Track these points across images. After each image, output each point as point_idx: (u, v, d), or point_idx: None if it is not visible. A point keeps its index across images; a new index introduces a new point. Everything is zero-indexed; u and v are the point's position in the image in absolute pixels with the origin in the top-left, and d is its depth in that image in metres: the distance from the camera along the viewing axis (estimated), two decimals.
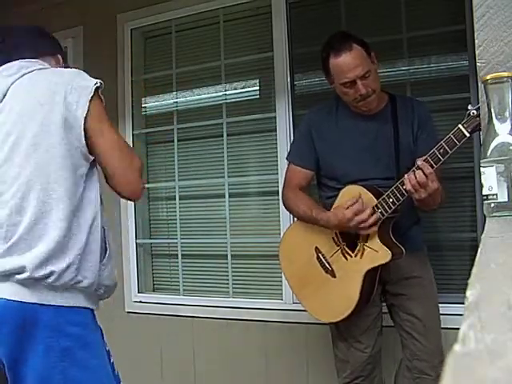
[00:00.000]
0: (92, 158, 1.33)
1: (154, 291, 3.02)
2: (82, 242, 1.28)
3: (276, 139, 2.59)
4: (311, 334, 2.46)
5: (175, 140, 2.91)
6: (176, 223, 2.91)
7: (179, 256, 2.89)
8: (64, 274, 1.25)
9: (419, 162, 1.57)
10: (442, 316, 1.90)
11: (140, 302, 2.92)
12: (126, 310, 2.94)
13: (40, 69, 1.36)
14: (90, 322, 1.33)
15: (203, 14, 2.80)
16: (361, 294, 1.72)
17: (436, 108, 2.17)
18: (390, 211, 1.67)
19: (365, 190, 1.73)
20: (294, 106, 2.56)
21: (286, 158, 2.00)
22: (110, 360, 1.36)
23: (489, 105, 0.95)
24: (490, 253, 0.60)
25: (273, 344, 2.58)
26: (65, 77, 1.33)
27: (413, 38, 2.36)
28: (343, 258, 1.79)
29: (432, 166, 1.55)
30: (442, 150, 1.54)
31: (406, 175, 1.59)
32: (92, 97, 1.29)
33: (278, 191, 2.45)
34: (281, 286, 2.56)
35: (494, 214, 0.92)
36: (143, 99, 3.04)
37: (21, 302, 1.24)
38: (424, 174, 1.55)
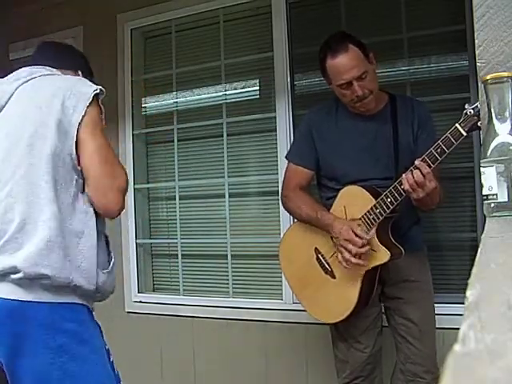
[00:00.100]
0: (79, 167, 1.32)
1: (153, 291, 3.02)
2: (75, 246, 1.28)
3: (276, 139, 2.59)
4: (311, 334, 2.46)
5: (175, 140, 2.91)
6: (176, 223, 2.91)
7: (179, 256, 2.89)
8: (57, 277, 1.25)
9: (417, 161, 1.57)
10: (441, 316, 1.90)
11: (140, 301, 2.92)
12: (126, 310, 2.94)
13: (47, 74, 1.39)
14: (87, 318, 1.34)
15: (203, 14, 2.80)
16: (360, 295, 1.72)
17: (436, 108, 2.17)
18: (388, 211, 1.67)
19: (364, 190, 1.73)
20: (294, 106, 2.57)
21: (286, 157, 1.99)
22: (109, 359, 1.37)
23: (489, 105, 0.95)
24: (490, 253, 0.60)
25: (273, 344, 2.58)
26: (67, 82, 1.35)
27: (413, 38, 2.36)
28: None
29: (429, 166, 1.55)
30: (439, 150, 1.54)
31: (403, 175, 1.59)
32: (90, 103, 1.30)
33: (277, 191, 2.44)
34: (281, 286, 2.56)
35: (494, 214, 0.92)
36: (143, 99, 3.04)
37: (17, 300, 1.25)
38: (422, 173, 1.55)
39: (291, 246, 1.95)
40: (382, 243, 1.69)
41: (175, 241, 2.92)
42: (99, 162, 1.32)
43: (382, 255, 1.69)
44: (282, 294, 2.57)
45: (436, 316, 1.88)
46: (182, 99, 2.96)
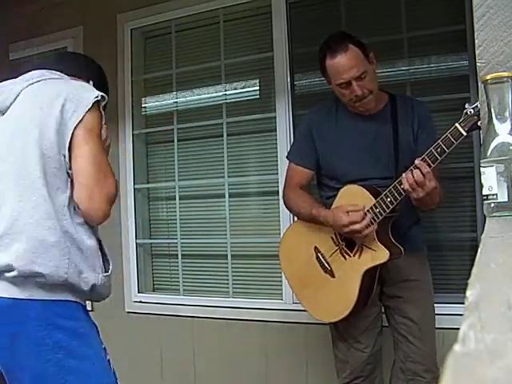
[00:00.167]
0: (70, 171, 1.32)
1: (153, 291, 3.02)
2: (70, 245, 1.28)
3: (276, 139, 2.59)
4: (311, 334, 2.46)
5: (175, 140, 2.91)
6: (176, 223, 2.91)
7: (179, 256, 2.89)
8: (52, 275, 1.25)
9: (417, 161, 1.57)
10: (441, 316, 1.90)
11: (140, 301, 2.92)
12: (126, 310, 2.94)
13: (55, 78, 1.40)
14: (82, 316, 1.34)
15: (203, 14, 2.80)
16: (359, 294, 1.72)
17: (436, 108, 2.17)
18: (388, 210, 1.67)
19: (364, 189, 1.73)
20: (294, 106, 2.57)
21: (287, 157, 2.00)
22: (106, 357, 1.37)
23: (489, 105, 0.95)
24: (490, 253, 0.60)
25: (273, 344, 2.58)
26: (70, 86, 1.37)
27: (413, 38, 2.36)
28: (342, 258, 1.79)
29: (429, 165, 1.55)
30: (439, 149, 1.55)
31: (403, 174, 1.60)
32: (90, 109, 1.31)
33: (278, 191, 2.45)
34: (281, 286, 2.56)
35: (494, 214, 0.92)
36: (143, 99, 3.04)
37: (10, 298, 1.25)
38: (421, 173, 1.55)
39: (291, 245, 1.95)
40: (381, 243, 1.70)
41: (175, 241, 2.92)
42: (89, 167, 1.30)
43: (382, 255, 1.69)
44: (281, 293, 2.57)
45: (436, 316, 1.88)
46: (181, 99, 2.96)
